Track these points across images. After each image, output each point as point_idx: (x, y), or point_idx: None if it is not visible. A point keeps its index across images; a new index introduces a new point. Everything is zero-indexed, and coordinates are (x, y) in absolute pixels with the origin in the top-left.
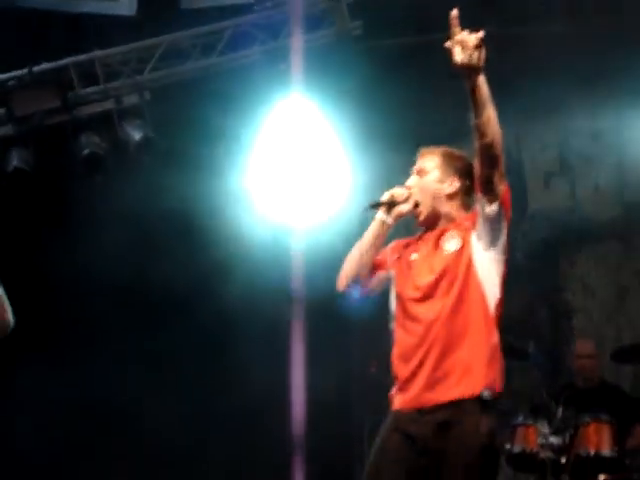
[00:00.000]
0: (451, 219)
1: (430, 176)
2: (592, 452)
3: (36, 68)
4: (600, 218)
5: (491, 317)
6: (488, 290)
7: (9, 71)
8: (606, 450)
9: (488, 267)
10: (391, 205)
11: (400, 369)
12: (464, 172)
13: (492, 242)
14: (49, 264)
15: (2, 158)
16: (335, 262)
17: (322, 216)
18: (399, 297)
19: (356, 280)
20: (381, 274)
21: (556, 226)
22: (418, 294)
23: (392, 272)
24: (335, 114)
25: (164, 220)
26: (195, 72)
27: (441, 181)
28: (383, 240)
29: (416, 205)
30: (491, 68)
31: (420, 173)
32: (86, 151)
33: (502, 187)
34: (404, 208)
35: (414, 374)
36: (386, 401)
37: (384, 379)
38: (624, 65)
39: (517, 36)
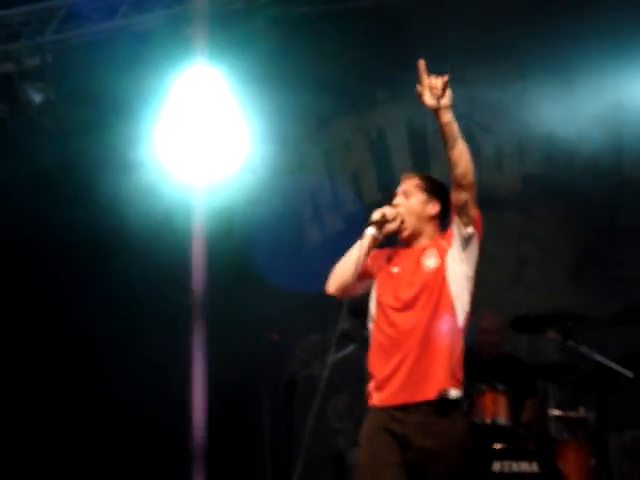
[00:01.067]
0: (430, 237)
1: (415, 198)
2: (488, 421)
3: None
4: (500, 189)
5: (459, 329)
6: (458, 305)
7: None
8: (502, 419)
9: (461, 284)
10: (383, 223)
11: (378, 368)
12: (443, 196)
13: (466, 261)
14: None
15: None
16: (235, 226)
17: (223, 179)
18: (380, 303)
19: (346, 286)
20: (366, 281)
21: None
22: (399, 304)
23: (374, 280)
24: (240, 82)
25: (65, 184)
26: (97, 35)
27: (425, 203)
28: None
29: (402, 223)
30: (394, 39)
31: (406, 194)
32: None
33: (475, 211)
34: (393, 226)
35: (392, 374)
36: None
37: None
38: (527, 35)
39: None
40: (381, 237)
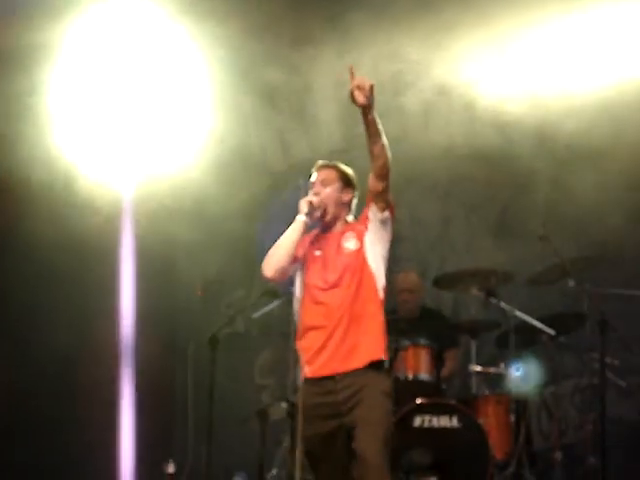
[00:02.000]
0: (344, 221)
1: (332, 187)
2: (410, 376)
3: None
4: (427, 148)
5: (380, 300)
6: (378, 280)
7: None
8: (424, 374)
9: (377, 261)
10: (311, 211)
11: (308, 344)
12: (353, 185)
13: (381, 242)
14: None
15: None
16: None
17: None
18: (306, 285)
19: (282, 270)
20: (295, 265)
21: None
22: (325, 285)
23: (300, 264)
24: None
25: None
26: None
27: (340, 191)
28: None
29: (324, 210)
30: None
31: (324, 184)
32: None
33: (390, 197)
34: (318, 213)
35: (322, 348)
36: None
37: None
38: None
39: None
40: (310, 223)
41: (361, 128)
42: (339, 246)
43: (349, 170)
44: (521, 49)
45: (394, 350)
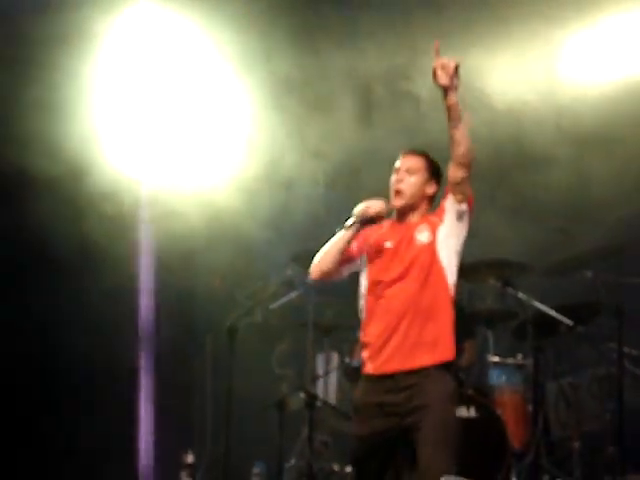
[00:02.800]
0: (421, 214)
1: (418, 177)
2: None
3: None
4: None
5: (450, 297)
6: (449, 275)
7: None
8: None
9: (450, 256)
10: (365, 219)
11: (371, 339)
12: (439, 178)
13: (456, 236)
14: None
15: None
16: None
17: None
18: (371, 279)
19: (328, 273)
20: (352, 263)
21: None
22: (391, 277)
23: (363, 258)
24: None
25: None
26: None
27: (425, 183)
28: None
29: (380, 218)
30: None
31: (410, 172)
32: None
33: (470, 190)
34: (374, 220)
35: (384, 344)
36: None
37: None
38: None
39: None
40: (362, 229)
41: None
42: (411, 238)
43: (436, 161)
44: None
45: None
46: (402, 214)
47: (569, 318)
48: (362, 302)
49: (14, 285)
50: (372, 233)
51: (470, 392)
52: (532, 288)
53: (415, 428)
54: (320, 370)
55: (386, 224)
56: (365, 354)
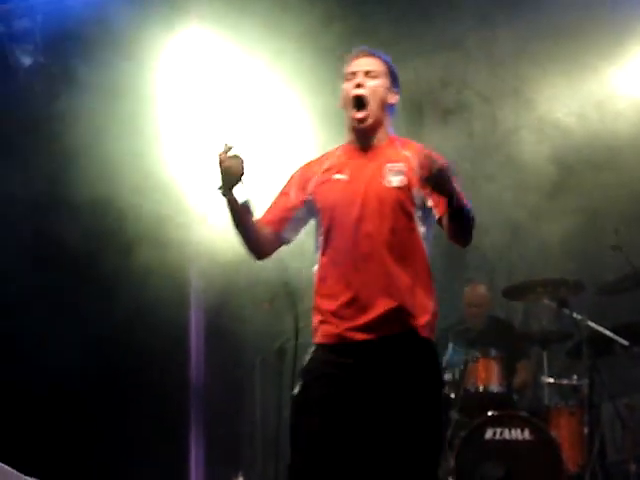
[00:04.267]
0: (386, 135)
1: (379, 81)
2: (481, 388)
3: None
4: (496, 157)
5: (427, 264)
6: (425, 237)
7: None
8: (494, 386)
9: (426, 219)
10: (230, 183)
11: (326, 305)
12: (399, 87)
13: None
14: None
15: None
16: None
17: None
18: (326, 226)
19: (261, 250)
20: (294, 223)
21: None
22: (350, 225)
23: (309, 200)
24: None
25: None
26: None
27: (388, 90)
28: None
29: (363, 105)
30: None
31: (369, 75)
32: None
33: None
34: (366, 116)
35: (343, 307)
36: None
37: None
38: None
39: None
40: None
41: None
42: (379, 171)
43: (395, 67)
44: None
45: (464, 362)
46: (369, 131)
47: (624, 338)
48: (318, 254)
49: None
50: (308, 173)
51: (524, 414)
52: (587, 307)
53: (380, 438)
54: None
55: (338, 150)
56: (317, 319)
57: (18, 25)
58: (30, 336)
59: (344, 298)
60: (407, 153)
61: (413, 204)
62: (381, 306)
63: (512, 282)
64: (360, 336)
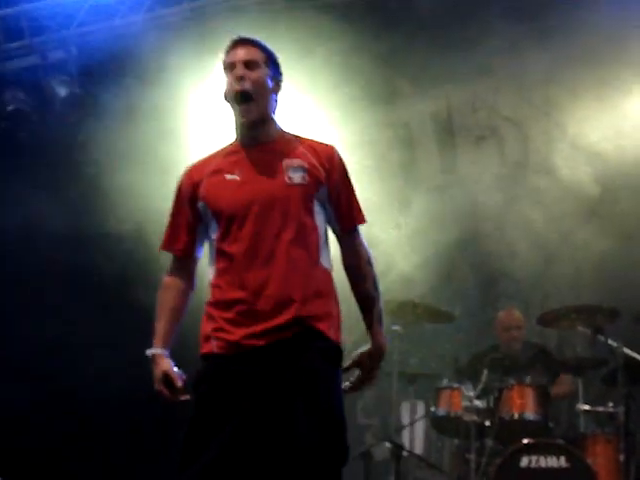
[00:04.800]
0: (275, 129)
1: (262, 71)
2: (516, 415)
3: None
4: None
5: (328, 265)
6: (324, 236)
7: None
8: (530, 413)
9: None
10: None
11: (222, 310)
12: (281, 74)
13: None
14: None
15: None
16: None
17: None
18: (221, 231)
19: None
20: (199, 238)
21: (485, 190)
22: (250, 224)
23: (202, 206)
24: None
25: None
26: (122, 29)
27: (271, 80)
28: None
29: (249, 99)
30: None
31: (250, 65)
32: (11, 107)
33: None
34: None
35: (241, 314)
36: None
37: None
38: (554, 25)
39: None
40: None
41: None
42: (277, 168)
43: (275, 53)
44: None
45: (499, 389)
46: (255, 125)
47: None
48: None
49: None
50: (198, 170)
51: (560, 441)
52: (622, 334)
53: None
54: (405, 419)
55: (224, 151)
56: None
57: (53, 57)
58: (69, 365)
59: (241, 305)
60: (302, 149)
61: (313, 202)
62: (282, 312)
63: (546, 309)
64: (258, 342)
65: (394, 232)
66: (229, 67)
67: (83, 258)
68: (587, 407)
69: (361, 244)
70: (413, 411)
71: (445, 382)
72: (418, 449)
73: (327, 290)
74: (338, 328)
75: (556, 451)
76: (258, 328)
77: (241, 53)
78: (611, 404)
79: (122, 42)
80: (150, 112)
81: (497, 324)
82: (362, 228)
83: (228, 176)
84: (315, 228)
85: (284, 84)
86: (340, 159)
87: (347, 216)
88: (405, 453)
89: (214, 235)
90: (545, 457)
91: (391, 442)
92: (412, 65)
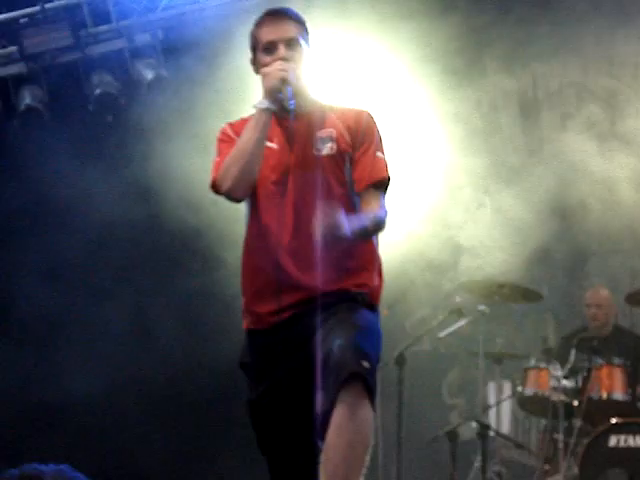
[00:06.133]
0: (310, 101)
1: (300, 49)
2: (604, 395)
3: (48, 5)
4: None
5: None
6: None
7: (21, 8)
8: (618, 393)
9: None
10: (280, 91)
11: (254, 280)
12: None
13: None
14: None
15: (15, 96)
16: None
17: None
18: (256, 196)
19: (248, 181)
20: None
21: (569, 169)
22: (280, 193)
23: None
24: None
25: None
26: (207, 10)
27: (306, 54)
28: None
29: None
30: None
31: (290, 45)
32: (98, 90)
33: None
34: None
35: (272, 286)
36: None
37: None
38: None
39: None
40: (274, 107)
41: None
42: (308, 138)
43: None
44: None
45: (587, 369)
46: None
47: None
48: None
49: None
50: (237, 131)
51: None
52: None
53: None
54: (492, 399)
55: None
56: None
57: (140, 40)
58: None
59: (272, 276)
60: (334, 118)
61: (344, 171)
62: (312, 283)
63: (635, 288)
64: (287, 314)
65: (478, 212)
66: (268, 45)
67: None
68: None
69: (370, 206)
70: (500, 391)
71: (533, 362)
72: (505, 429)
73: (363, 261)
74: (377, 294)
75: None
76: (290, 300)
77: (282, 29)
78: None
79: (209, 24)
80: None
81: (584, 301)
82: (452, 207)
83: (268, 143)
84: (345, 194)
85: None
86: (369, 121)
87: (360, 175)
88: (492, 433)
89: (249, 198)
90: (634, 436)
91: (477, 422)
92: (499, 44)
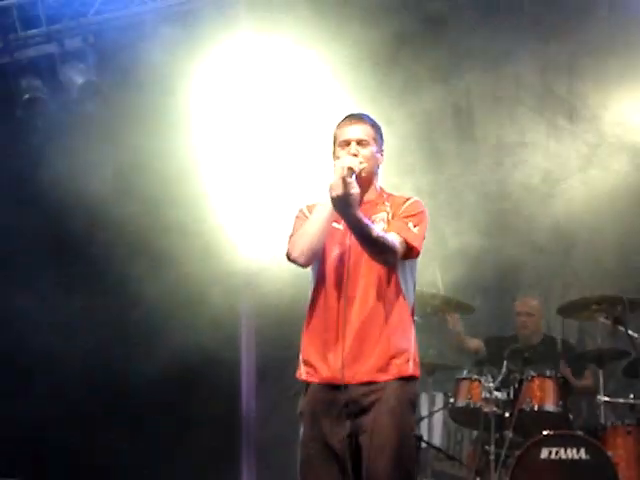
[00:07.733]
0: (374, 192)
1: (371, 149)
2: (536, 407)
3: None
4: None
5: (407, 304)
6: (402, 277)
7: None
8: (550, 405)
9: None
10: (350, 180)
11: (316, 340)
12: (383, 143)
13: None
14: None
15: None
16: None
17: None
18: (321, 268)
19: (315, 252)
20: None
21: (503, 180)
22: (342, 267)
23: None
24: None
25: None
26: (139, 16)
27: (376, 154)
28: None
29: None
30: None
31: (362, 144)
32: (27, 95)
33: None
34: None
35: (330, 348)
36: None
37: None
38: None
39: None
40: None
41: None
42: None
43: (380, 127)
44: None
45: (519, 381)
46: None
47: None
48: (312, 292)
49: None
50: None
51: (580, 433)
52: None
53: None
54: (424, 411)
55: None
56: (304, 359)
57: (70, 44)
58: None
59: (331, 343)
60: (388, 203)
61: None
62: (366, 357)
63: (567, 300)
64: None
65: None
66: (343, 144)
67: None
68: (607, 399)
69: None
70: (432, 402)
71: (465, 373)
72: (437, 441)
73: (402, 328)
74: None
75: (576, 443)
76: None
77: (355, 131)
78: (631, 396)
79: (139, 28)
80: (167, 101)
81: (514, 310)
82: None
83: (335, 224)
84: (394, 275)
85: None
86: (413, 203)
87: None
88: (423, 444)
89: (315, 267)
90: (565, 449)
91: None
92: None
